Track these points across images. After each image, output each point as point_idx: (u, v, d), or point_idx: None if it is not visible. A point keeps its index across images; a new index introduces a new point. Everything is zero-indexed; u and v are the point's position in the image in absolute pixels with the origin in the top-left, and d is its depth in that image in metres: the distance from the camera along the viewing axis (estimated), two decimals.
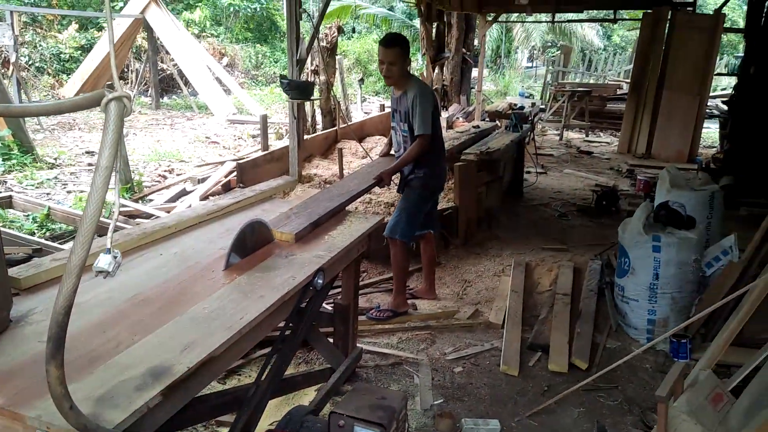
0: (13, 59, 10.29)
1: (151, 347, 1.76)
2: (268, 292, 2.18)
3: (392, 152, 4.21)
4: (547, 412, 3.11)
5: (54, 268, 2.18)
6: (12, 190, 6.27)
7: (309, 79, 8.19)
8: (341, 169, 5.70)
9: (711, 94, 11.66)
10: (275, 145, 6.73)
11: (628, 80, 12.59)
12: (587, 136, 11.97)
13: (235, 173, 6.16)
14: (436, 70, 11.37)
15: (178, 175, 7.34)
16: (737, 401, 2.69)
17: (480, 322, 4.09)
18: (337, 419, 2.04)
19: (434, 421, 2.96)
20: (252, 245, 2.55)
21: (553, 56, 22.41)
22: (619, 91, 14.28)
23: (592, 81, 17.66)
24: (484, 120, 8.71)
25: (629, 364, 3.60)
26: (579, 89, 12.22)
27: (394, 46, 3.73)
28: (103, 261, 1.23)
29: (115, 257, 1.24)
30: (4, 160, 7.30)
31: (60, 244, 4.65)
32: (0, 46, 10.73)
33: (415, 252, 4.61)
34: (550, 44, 25.31)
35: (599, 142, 11.47)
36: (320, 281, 2.46)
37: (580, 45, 22.76)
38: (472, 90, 12.81)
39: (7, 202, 5.58)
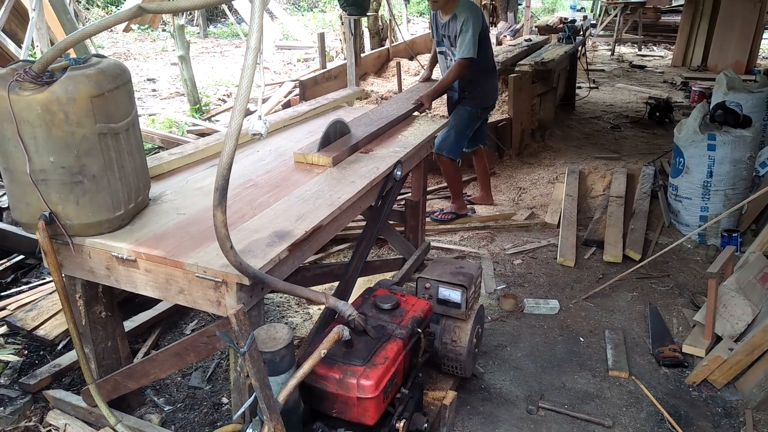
0: None
1: (271, 218, 2.09)
2: (357, 179, 2.47)
3: (433, 77, 4.25)
4: (603, 296, 3.39)
5: (173, 161, 2.52)
6: None
7: None
8: (400, 84, 5.86)
9: None
10: (328, 65, 6.89)
11: None
12: (640, 50, 11.65)
13: (293, 93, 6.41)
14: None
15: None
16: None
17: (536, 222, 4.35)
18: (424, 282, 2.37)
19: (499, 301, 3.29)
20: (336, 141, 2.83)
21: None
22: (674, 3, 13.66)
23: None
24: (534, 35, 8.61)
25: (681, 257, 3.83)
26: (632, 1, 11.78)
27: None
28: (258, 125, 1.52)
29: (265, 123, 1.52)
30: None
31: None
32: None
33: (469, 164, 4.81)
34: None
35: (652, 56, 11.18)
36: (399, 173, 2.74)
37: None
38: (519, 7, 12.49)
39: None
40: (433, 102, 3.77)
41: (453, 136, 4.03)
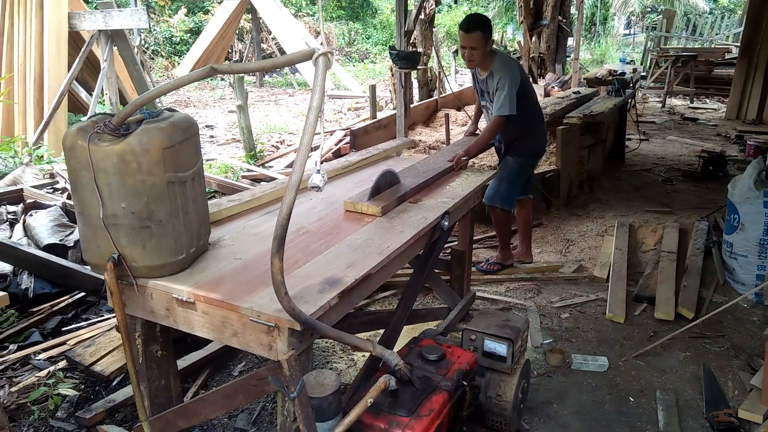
0: (136, 43, 11.25)
1: (322, 265, 2.15)
2: (406, 228, 2.53)
3: (479, 130, 4.26)
4: (654, 355, 3.30)
5: (231, 207, 2.64)
6: None
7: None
8: (448, 135, 5.97)
9: None
10: (378, 115, 7.09)
11: (738, 44, 11.93)
12: (692, 102, 11.52)
13: (344, 141, 6.60)
14: (533, 39, 11.31)
15: (289, 145, 7.90)
16: None
17: (584, 276, 4.29)
18: (469, 334, 2.37)
19: (545, 355, 3.24)
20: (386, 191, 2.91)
21: (654, 22, 21.34)
22: (727, 56, 13.52)
23: (696, 46, 16.79)
24: (582, 87, 8.65)
25: (737, 317, 3.70)
26: (684, 53, 11.72)
27: (475, 30, 3.59)
28: (316, 179, 1.61)
29: (323, 177, 1.61)
30: None
31: None
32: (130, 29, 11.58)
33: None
34: (650, 9, 24.07)
35: (705, 109, 11.02)
36: (446, 223, 2.79)
37: (683, 9, 21.55)
38: (568, 59, 12.60)
39: None
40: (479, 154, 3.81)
41: (505, 187, 4.01)
